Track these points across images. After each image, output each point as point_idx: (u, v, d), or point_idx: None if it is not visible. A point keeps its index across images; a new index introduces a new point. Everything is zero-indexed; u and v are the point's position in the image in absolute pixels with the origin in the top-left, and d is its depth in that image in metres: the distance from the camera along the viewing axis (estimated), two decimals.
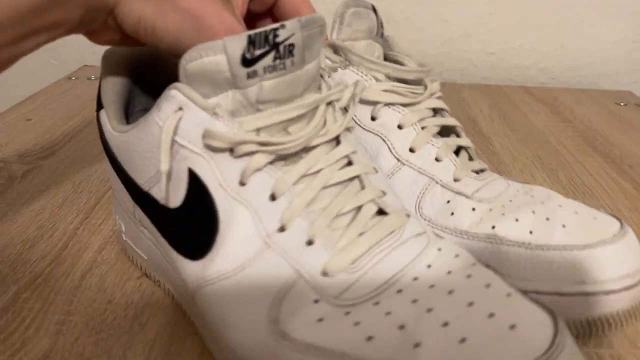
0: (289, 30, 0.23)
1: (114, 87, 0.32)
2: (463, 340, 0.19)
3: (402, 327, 0.20)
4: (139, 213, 0.30)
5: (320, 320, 0.22)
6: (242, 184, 0.24)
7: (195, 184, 0.25)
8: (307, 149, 0.25)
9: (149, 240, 0.31)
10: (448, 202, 0.32)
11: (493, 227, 0.30)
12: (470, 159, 0.35)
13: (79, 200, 0.43)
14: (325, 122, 0.26)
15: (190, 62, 0.23)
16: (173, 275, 0.29)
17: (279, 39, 0.23)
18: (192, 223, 0.25)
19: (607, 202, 0.45)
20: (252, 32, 0.23)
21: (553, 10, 0.77)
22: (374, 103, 0.34)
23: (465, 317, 0.20)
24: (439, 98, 0.35)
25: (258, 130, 0.24)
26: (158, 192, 0.26)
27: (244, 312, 0.23)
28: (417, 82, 0.35)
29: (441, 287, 0.22)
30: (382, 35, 0.37)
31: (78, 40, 0.81)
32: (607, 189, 0.48)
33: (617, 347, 0.30)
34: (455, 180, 0.32)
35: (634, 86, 0.80)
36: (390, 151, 0.33)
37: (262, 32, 0.23)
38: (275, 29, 0.23)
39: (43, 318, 0.30)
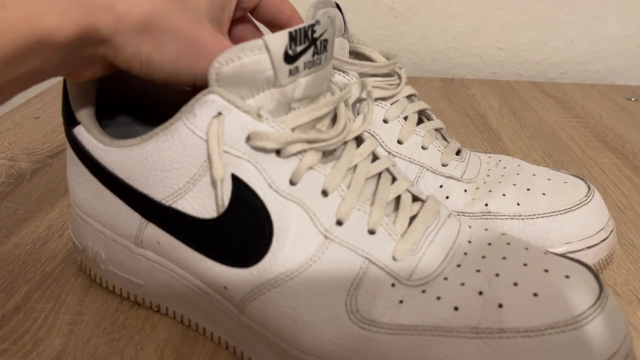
0: (323, 26, 0.24)
1: (87, 99, 0.30)
2: (535, 294, 0.22)
3: (480, 293, 0.23)
4: (151, 232, 0.28)
5: (402, 302, 0.23)
6: (292, 183, 0.24)
7: (241, 189, 0.24)
8: (341, 147, 0.26)
9: (151, 263, 0.29)
10: (441, 186, 0.34)
11: (486, 205, 0.33)
12: (445, 139, 0.37)
13: None
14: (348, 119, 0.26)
15: (226, 65, 0.23)
16: (197, 292, 0.28)
17: (316, 35, 0.24)
18: (240, 230, 0.25)
19: (620, 198, 0.45)
20: (292, 29, 0.23)
21: (563, 4, 0.76)
22: (358, 101, 0.34)
23: (528, 275, 0.23)
24: (407, 84, 0.37)
25: (293, 129, 0.24)
26: (187, 205, 0.26)
27: (320, 308, 0.24)
28: (389, 74, 0.36)
29: (493, 256, 0.25)
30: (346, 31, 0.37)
31: None
32: (620, 185, 0.47)
33: (635, 348, 0.30)
34: (443, 165, 0.34)
35: None
36: (381, 145, 0.34)
37: (301, 28, 0.23)
38: (312, 25, 0.23)
39: (55, 318, 0.30)
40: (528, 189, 0.33)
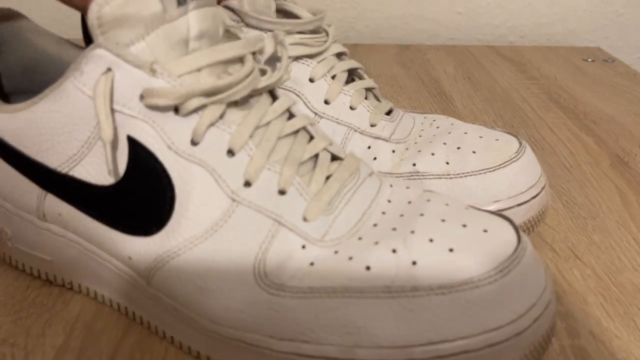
0: None
1: None
2: (451, 249, 0.21)
3: (394, 250, 0.22)
4: (51, 204, 0.26)
5: (312, 263, 0.22)
6: (194, 143, 0.23)
7: (138, 152, 0.23)
8: (251, 101, 0.24)
9: (57, 237, 0.27)
10: (369, 147, 0.32)
11: (414, 165, 0.31)
12: (377, 99, 0.35)
13: None
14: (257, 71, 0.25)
15: (107, 5, 0.21)
16: (107, 266, 0.26)
17: None
18: (139, 196, 0.23)
19: (567, 157, 0.44)
20: None
21: None
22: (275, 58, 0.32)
23: (444, 231, 0.22)
24: (336, 42, 0.35)
25: (199, 70, 0.23)
26: (84, 172, 0.24)
27: (227, 275, 0.23)
28: (316, 31, 0.34)
29: (411, 213, 0.24)
30: None
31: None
32: (568, 144, 0.46)
33: (567, 304, 0.29)
34: (372, 125, 0.33)
35: (603, 42, 0.79)
36: (306, 105, 0.33)
37: None
38: None
39: None
40: (458, 147, 0.32)
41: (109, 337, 0.26)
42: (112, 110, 0.22)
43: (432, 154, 0.31)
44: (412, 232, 0.22)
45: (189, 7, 0.22)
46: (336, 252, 0.23)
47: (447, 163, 0.31)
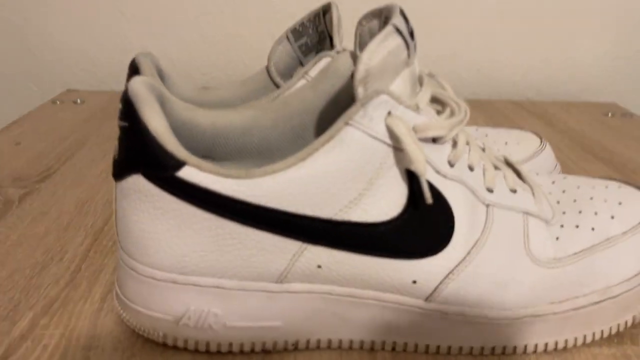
0: None
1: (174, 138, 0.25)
2: (620, 203, 0.31)
3: (595, 213, 0.30)
4: (309, 258, 0.26)
5: (558, 238, 0.29)
6: (451, 165, 0.27)
7: (414, 180, 0.26)
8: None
9: (298, 295, 0.27)
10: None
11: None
12: None
13: (85, 221, 0.41)
14: None
15: (373, 58, 0.24)
16: (363, 304, 0.28)
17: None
18: (425, 219, 0.26)
19: None
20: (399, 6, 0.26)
21: (536, 25, 0.79)
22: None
23: (609, 196, 0.31)
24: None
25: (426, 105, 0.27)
26: (362, 213, 0.25)
27: (511, 264, 0.27)
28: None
29: (579, 194, 0.32)
30: None
31: (58, 64, 0.79)
32: None
33: None
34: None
35: (616, 97, 0.83)
36: None
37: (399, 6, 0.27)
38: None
39: (67, 344, 0.28)
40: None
41: None
42: (390, 148, 0.25)
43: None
44: (591, 198, 0.31)
45: (415, 54, 0.27)
46: (562, 226, 0.29)
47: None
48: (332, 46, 0.35)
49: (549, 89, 0.83)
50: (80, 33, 0.78)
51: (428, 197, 0.25)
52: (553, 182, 0.33)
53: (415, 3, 0.77)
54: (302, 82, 0.33)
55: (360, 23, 0.30)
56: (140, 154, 0.25)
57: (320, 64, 0.33)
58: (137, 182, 0.25)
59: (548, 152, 0.44)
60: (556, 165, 0.43)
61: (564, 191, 0.32)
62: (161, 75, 0.34)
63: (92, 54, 0.79)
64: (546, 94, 0.83)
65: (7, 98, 0.81)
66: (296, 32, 0.38)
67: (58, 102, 0.71)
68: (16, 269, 0.34)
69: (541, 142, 0.44)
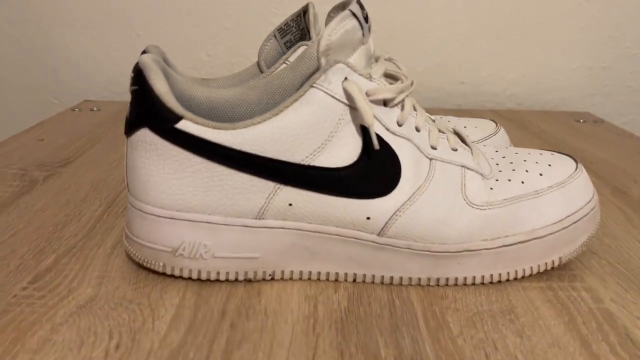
0: None
1: (173, 94, 0.32)
2: (550, 165, 0.37)
3: (527, 170, 0.36)
4: (282, 197, 0.32)
5: (492, 188, 0.35)
6: (399, 125, 0.33)
7: (367, 135, 0.32)
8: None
9: (274, 230, 0.33)
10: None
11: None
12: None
13: (100, 195, 0.47)
14: None
15: (334, 35, 0.30)
16: (329, 239, 0.33)
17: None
18: (377, 166, 0.32)
19: None
20: None
21: (515, 41, 0.86)
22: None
23: (540, 159, 0.38)
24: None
25: (380, 77, 0.34)
26: (324, 159, 0.31)
27: (452, 206, 0.33)
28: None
29: (514, 156, 0.38)
30: None
31: (77, 80, 0.87)
32: None
33: (588, 281, 0.35)
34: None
35: (591, 108, 0.89)
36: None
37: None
38: None
39: (84, 274, 0.34)
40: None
41: (216, 298, 0.32)
42: (348, 107, 0.31)
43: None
44: (525, 160, 0.37)
45: (369, 34, 0.33)
46: (497, 180, 0.35)
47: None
48: (310, 39, 0.41)
49: (528, 100, 0.89)
50: (99, 52, 0.86)
51: (376, 144, 0.31)
52: (497, 151, 0.39)
53: (404, 20, 0.84)
54: (283, 66, 0.40)
55: (329, 15, 0.36)
56: (146, 111, 0.31)
57: (298, 51, 0.40)
58: (144, 134, 0.31)
59: (502, 134, 0.50)
60: (509, 146, 0.48)
61: (504, 157, 0.38)
62: (167, 64, 0.41)
63: (108, 71, 0.87)
64: (526, 105, 0.89)
65: (31, 110, 0.89)
66: (282, 31, 0.44)
67: (77, 110, 0.78)
68: (41, 226, 0.41)
69: (496, 126, 0.50)
